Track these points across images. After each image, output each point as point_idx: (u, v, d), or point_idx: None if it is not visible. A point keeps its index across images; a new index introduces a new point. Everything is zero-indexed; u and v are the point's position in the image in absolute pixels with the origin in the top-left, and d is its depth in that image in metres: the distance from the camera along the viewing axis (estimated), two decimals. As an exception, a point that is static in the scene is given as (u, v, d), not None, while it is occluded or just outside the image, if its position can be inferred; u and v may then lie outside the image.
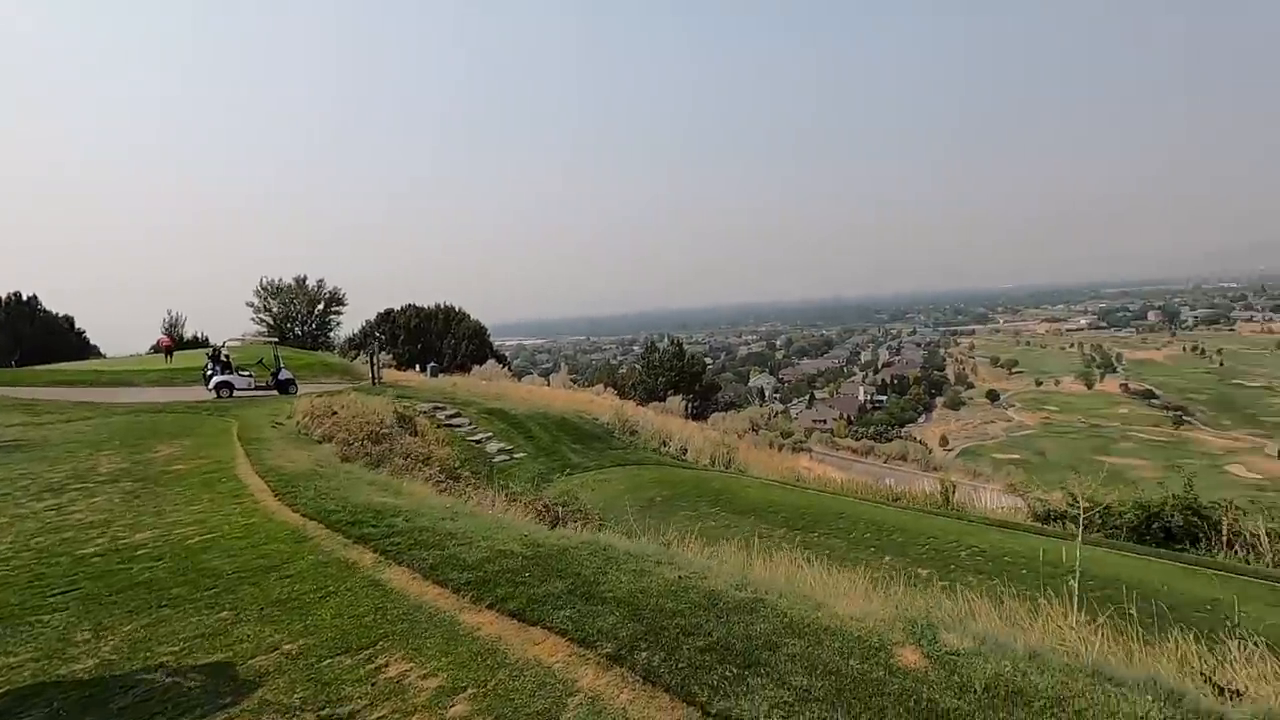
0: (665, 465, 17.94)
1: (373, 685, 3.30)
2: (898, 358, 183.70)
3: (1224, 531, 11.43)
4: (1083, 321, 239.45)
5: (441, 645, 3.70)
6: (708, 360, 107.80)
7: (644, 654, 3.46)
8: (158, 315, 53.20)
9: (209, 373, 19.75)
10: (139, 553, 5.48)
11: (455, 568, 4.84)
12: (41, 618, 4.15)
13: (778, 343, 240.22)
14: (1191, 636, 4.09)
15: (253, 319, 45.55)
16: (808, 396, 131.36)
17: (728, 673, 3.26)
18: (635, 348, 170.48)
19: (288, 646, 3.75)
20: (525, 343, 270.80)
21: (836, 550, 9.57)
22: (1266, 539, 11.10)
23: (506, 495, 9.57)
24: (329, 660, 3.57)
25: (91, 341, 45.31)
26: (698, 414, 38.26)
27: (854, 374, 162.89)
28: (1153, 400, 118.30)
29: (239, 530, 6.11)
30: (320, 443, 12.31)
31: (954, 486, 15.71)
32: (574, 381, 45.44)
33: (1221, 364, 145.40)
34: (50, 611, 4.25)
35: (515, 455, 17.29)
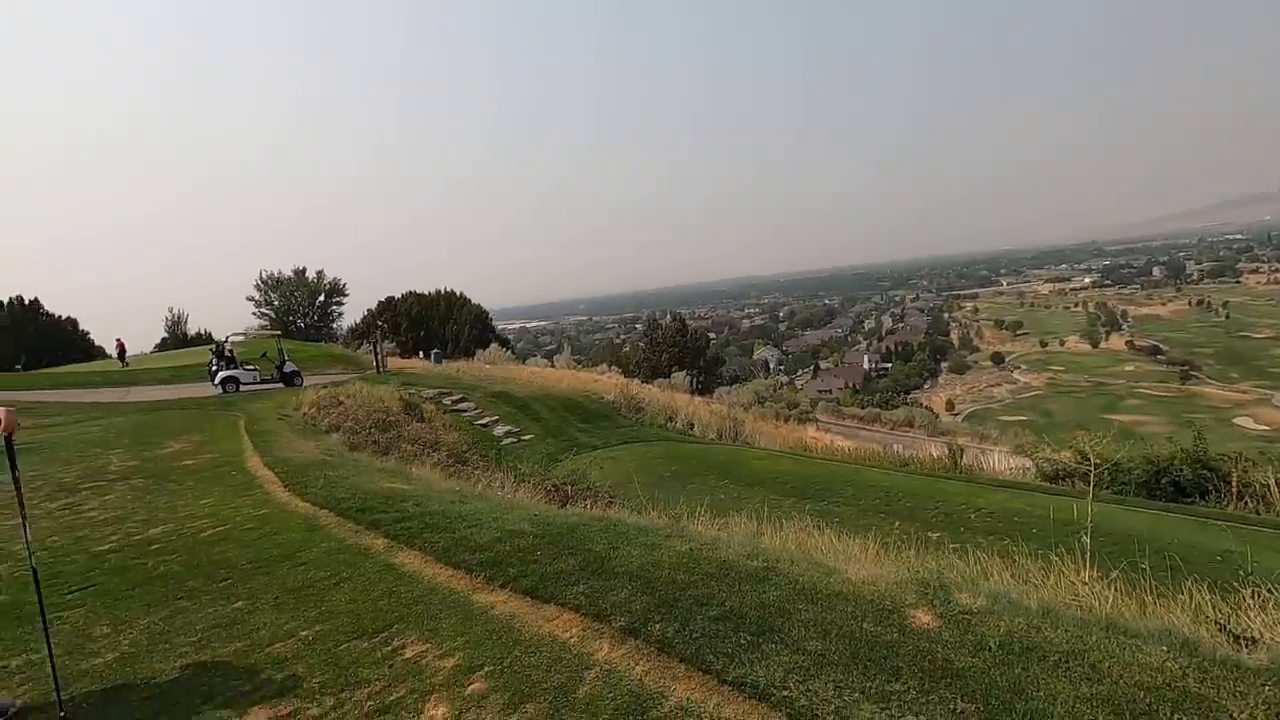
0: (672, 441, 17.99)
1: (390, 667, 3.33)
2: (902, 324, 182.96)
3: (1234, 483, 11.42)
4: (1087, 280, 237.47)
5: (456, 625, 3.72)
6: (711, 335, 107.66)
7: (658, 626, 3.47)
8: (161, 313, 53.33)
9: (214, 368, 19.80)
10: (153, 548, 5.52)
11: (467, 549, 4.86)
12: (61, 614, 4.19)
13: (781, 314, 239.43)
14: (1205, 587, 4.08)
15: (254, 314, 45.60)
16: (812, 367, 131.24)
17: (742, 640, 3.27)
18: (638, 326, 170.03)
19: (304, 633, 3.78)
20: (528, 325, 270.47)
21: (846, 517, 9.60)
22: (1277, 489, 11.09)
23: (515, 477, 9.61)
24: (346, 644, 3.60)
25: (97, 342, 45.47)
26: (703, 389, 38.30)
27: (858, 343, 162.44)
28: (1159, 356, 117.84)
29: (251, 522, 6.15)
30: (327, 433, 12.36)
31: (962, 450, 15.71)
32: (578, 362, 45.49)
33: (1228, 316, 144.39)
34: (69, 608, 4.29)
35: (523, 437, 17.35)
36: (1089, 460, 8.88)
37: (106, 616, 4.14)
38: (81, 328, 46.15)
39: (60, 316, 44.97)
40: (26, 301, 43.29)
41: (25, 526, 3.28)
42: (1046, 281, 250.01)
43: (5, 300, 42.51)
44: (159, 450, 10.20)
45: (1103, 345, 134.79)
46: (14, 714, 3.05)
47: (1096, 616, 3.46)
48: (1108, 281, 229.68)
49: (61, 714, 3.00)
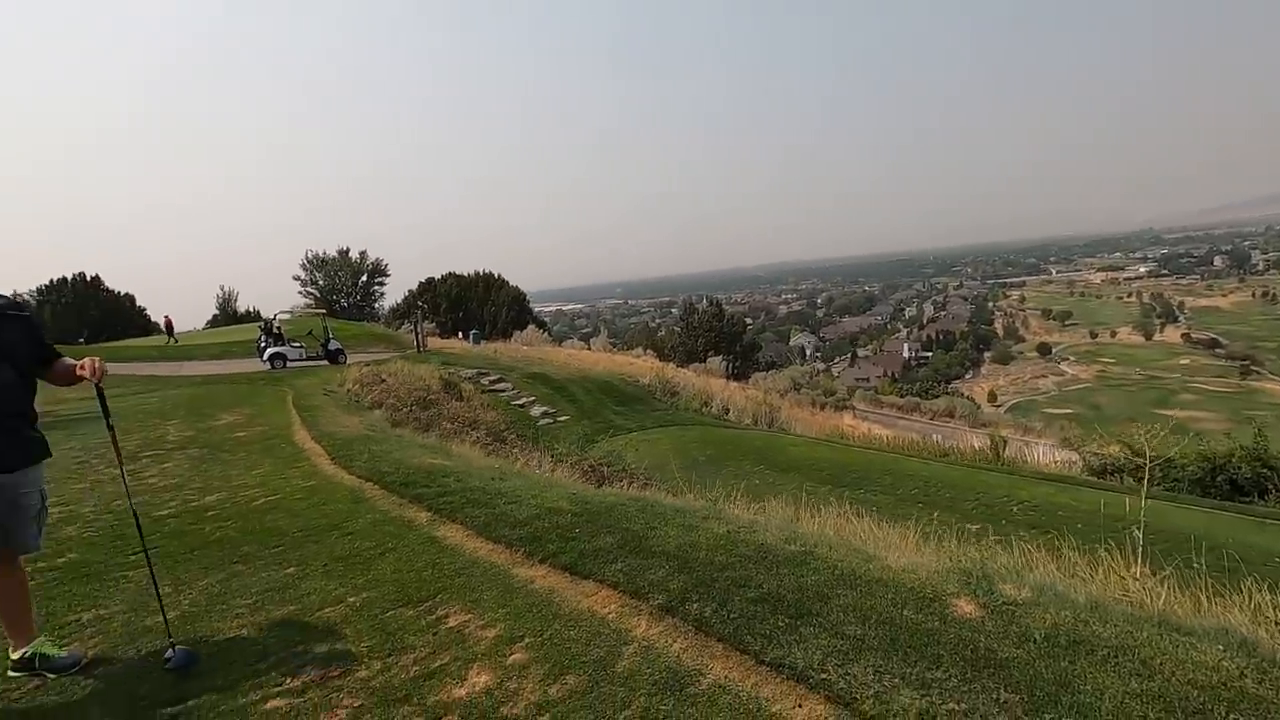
0: (708, 425, 17.97)
1: (434, 634, 3.42)
2: (944, 312, 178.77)
3: (1296, 483, 10.95)
4: (1142, 269, 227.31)
5: (498, 598, 3.80)
6: (748, 320, 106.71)
7: (695, 605, 3.49)
8: (212, 291, 55.06)
9: (262, 345, 20.44)
10: (209, 514, 5.77)
11: (507, 525, 4.96)
12: (126, 574, 4.42)
13: (819, 301, 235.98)
14: (1265, 587, 3.93)
15: (300, 292, 46.82)
16: (850, 355, 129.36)
17: (780, 623, 3.27)
18: (673, 310, 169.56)
19: (352, 599, 3.91)
20: (564, 308, 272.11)
21: (884, 506, 9.46)
22: (1343, 490, 10.59)
23: (552, 456, 9.73)
24: (392, 612, 3.71)
25: (153, 319, 47.30)
26: (739, 374, 38.09)
27: (898, 330, 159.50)
28: (1217, 350, 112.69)
29: (300, 492, 6.37)
30: (370, 409, 12.67)
31: (1004, 441, 15.36)
32: (614, 345, 45.65)
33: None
34: (133, 568, 4.51)
35: (559, 418, 17.53)
36: (1139, 455, 8.58)
37: (168, 577, 4.35)
38: (139, 304, 48.05)
39: (119, 293, 46.87)
40: (88, 278, 45.21)
41: (122, 469, 3.54)
42: (1099, 270, 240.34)
43: (68, 277, 44.47)
44: (213, 422, 10.61)
45: (1157, 337, 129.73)
46: (86, 664, 3.24)
47: (1148, 613, 3.37)
48: (1165, 271, 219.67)
49: (170, 639, 3.31)
